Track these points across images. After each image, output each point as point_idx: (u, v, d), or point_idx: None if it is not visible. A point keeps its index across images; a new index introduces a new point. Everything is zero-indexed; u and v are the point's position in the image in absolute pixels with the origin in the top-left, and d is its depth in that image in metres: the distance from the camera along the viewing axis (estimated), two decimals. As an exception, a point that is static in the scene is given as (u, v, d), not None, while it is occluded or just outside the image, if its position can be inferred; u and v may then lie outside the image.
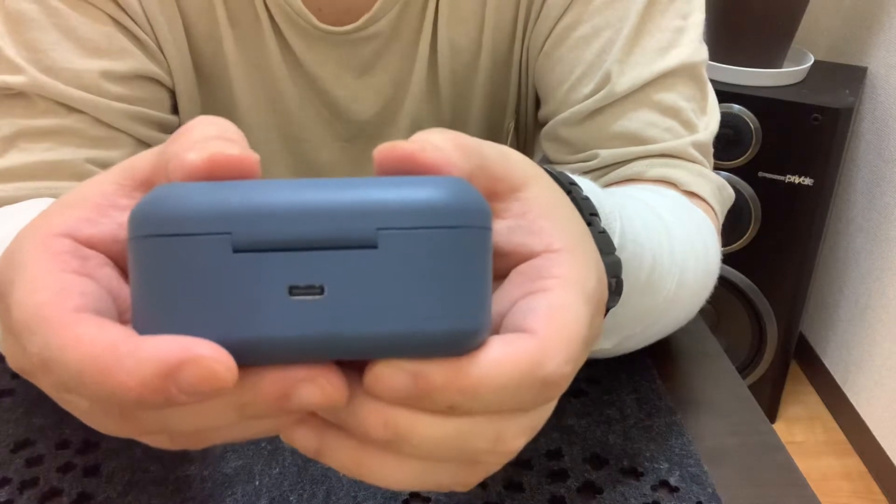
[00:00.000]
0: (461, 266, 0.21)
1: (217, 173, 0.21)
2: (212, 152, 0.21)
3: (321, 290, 0.20)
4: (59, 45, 0.48)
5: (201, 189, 0.21)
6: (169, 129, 0.56)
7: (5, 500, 0.42)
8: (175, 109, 0.57)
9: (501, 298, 0.23)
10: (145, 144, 0.53)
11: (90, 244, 0.23)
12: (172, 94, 0.56)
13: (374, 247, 0.20)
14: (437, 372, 0.21)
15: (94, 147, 0.49)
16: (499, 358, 0.21)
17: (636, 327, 0.45)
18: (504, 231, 0.24)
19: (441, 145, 0.22)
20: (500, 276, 0.24)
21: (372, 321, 0.20)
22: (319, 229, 0.20)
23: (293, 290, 0.20)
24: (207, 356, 0.19)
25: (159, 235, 0.20)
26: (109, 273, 0.23)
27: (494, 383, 0.21)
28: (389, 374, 0.21)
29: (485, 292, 0.22)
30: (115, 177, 0.24)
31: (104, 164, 0.50)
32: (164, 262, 0.20)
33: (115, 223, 0.23)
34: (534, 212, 0.24)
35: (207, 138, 0.22)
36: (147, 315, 0.21)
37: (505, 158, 0.24)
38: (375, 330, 0.21)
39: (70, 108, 0.48)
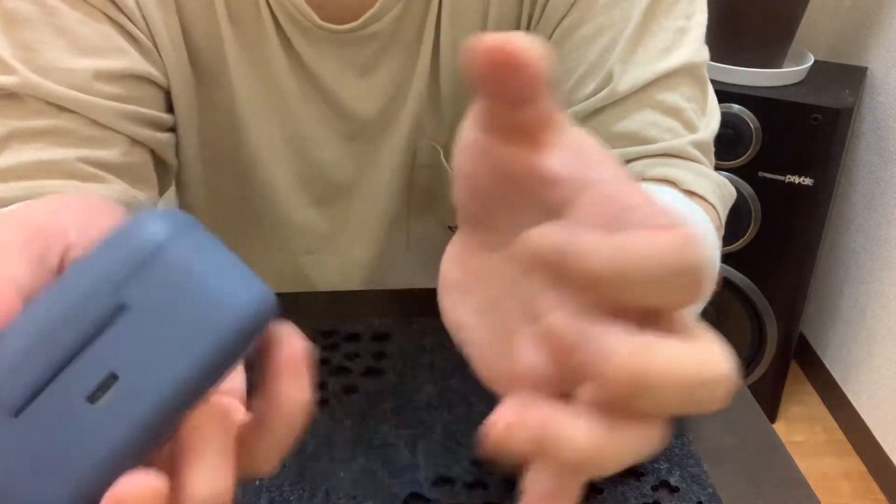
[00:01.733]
0: (205, 267, 0.21)
1: None
2: None
3: (115, 380, 0.20)
4: (53, 44, 0.48)
5: None
6: (163, 128, 0.55)
7: (5, 500, 0.42)
8: (169, 108, 0.57)
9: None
10: (139, 143, 0.53)
11: None
12: (166, 93, 0.56)
13: (128, 309, 0.20)
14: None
15: (87, 147, 0.49)
16: None
17: None
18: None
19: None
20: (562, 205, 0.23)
21: (181, 364, 0.20)
22: (73, 329, 0.20)
23: (92, 397, 0.20)
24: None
25: None
26: None
27: None
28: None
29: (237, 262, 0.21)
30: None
31: (97, 164, 0.49)
32: None
33: None
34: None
35: None
36: None
37: None
38: (188, 365, 0.20)
39: (61, 108, 0.48)
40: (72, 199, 0.26)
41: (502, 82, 0.21)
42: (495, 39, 0.21)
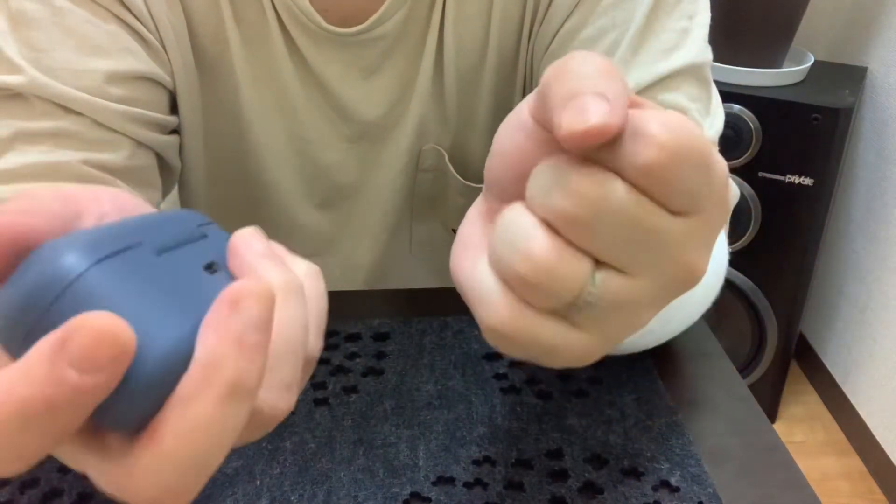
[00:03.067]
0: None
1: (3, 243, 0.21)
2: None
3: (215, 267, 0.25)
4: (61, 44, 0.48)
5: (85, 232, 0.22)
6: (167, 131, 0.55)
7: (6, 500, 0.42)
8: (173, 110, 0.57)
9: None
10: (144, 146, 0.53)
11: None
12: (171, 95, 0.56)
13: (206, 236, 0.26)
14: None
15: (92, 150, 0.49)
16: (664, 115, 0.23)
17: (654, 323, 0.45)
18: None
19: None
20: None
21: None
22: (182, 233, 0.25)
23: (206, 269, 0.24)
24: (88, 320, 0.18)
25: (96, 263, 0.21)
26: None
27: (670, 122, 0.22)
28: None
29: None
30: None
31: (102, 167, 0.49)
32: (111, 283, 0.21)
33: None
34: None
35: None
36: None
37: None
38: None
39: (68, 110, 0.48)
40: (107, 188, 0.27)
41: (588, 148, 0.23)
42: (594, 124, 0.22)
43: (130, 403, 0.20)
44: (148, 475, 0.20)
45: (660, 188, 0.23)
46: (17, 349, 0.21)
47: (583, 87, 0.22)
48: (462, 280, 0.28)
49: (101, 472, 0.22)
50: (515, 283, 0.24)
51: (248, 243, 0.26)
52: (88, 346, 0.18)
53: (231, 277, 0.25)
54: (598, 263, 0.24)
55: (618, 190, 0.22)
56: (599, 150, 0.23)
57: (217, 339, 0.21)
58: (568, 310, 0.24)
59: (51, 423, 0.19)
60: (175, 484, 0.21)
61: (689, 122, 0.23)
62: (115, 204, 0.25)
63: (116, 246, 0.22)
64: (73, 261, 0.20)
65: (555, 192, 0.23)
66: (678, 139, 0.22)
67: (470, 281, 0.25)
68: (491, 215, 0.29)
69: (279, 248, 0.27)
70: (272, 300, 0.22)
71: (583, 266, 0.23)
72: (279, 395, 0.24)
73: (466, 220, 0.30)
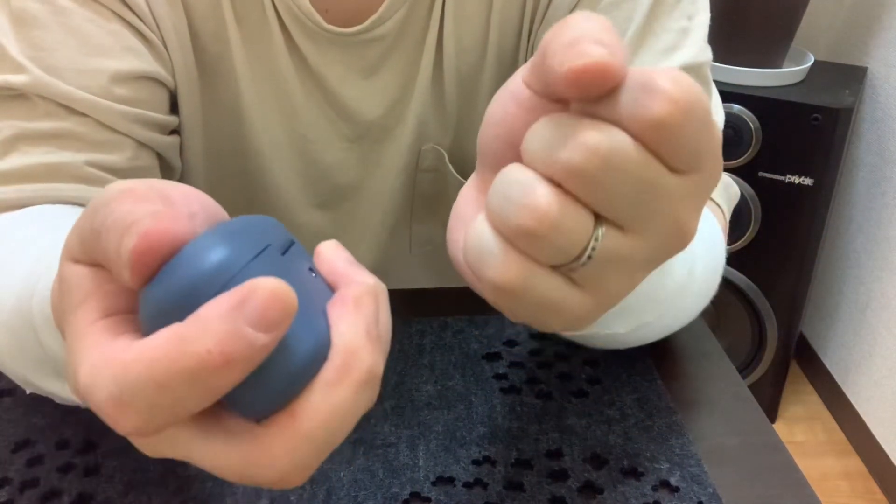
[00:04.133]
0: None
1: (153, 248, 0.22)
2: (139, 233, 0.22)
3: (314, 270, 0.27)
4: (64, 44, 0.48)
5: (217, 235, 0.23)
6: (167, 131, 0.55)
7: (6, 500, 0.42)
8: (173, 110, 0.57)
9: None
10: (146, 147, 0.53)
11: (116, 311, 0.24)
12: (171, 95, 0.56)
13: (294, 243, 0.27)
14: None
15: (96, 151, 0.49)
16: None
17: (650, 314, 0.45)
18: None
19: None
20: None
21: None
22: (282, 238, 0.26)
23: (310, 271, 0.26)
24: (262, 282, 0.20)
25: (243, 268, 0.23)
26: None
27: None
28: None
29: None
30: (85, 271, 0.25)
31: (105, 168, 0.49)
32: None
33: (115, 296, 0.25)
34: None
35: (135, 221, 0.22)
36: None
37: None
38: None
39: (71, 111, 0.48)
40: (180, 184, 0.27)
41: (588, 91, 0.23)
42: (594, 60, 0.22)
43: (278, 390, 0.22)
44: (286, 453, 0.22)
45: (667, 144, 0.23)
46: None
47: (584, 36, 0.22)
48: (460, 246, 0.28)
49: (222, 453, 0.23)
50: (520, 238, 0.24)
51: (336, 252, 0.27)
52: (265, 305, 0.20)
53: (325, 280, 0.27)
54: (598, 219, 0.24)
55: (626, 144, 0.22)
56: (600, 104, 0.23)
57: (353, 334, 0.23)
58: (570, 266, 0.24)
59: (219, 380, 0.20)
60: (308, 461, 0.23)
61: (692, 78, 0.23)
62: (199, 201, 0.26)
63: (257, 245, 0.23)
64: (232, 258, 0.22)
65: (560, 146, 0.23)
66: (689, 95, 0.22)
67: (470, 241, 0.25)
68: (485, 188, 0.29)
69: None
70: (382, 296, 0.25)
71: (587, 220, 0.24)
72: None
73: (461, 196, 0.30)
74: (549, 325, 0.26)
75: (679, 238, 0.25)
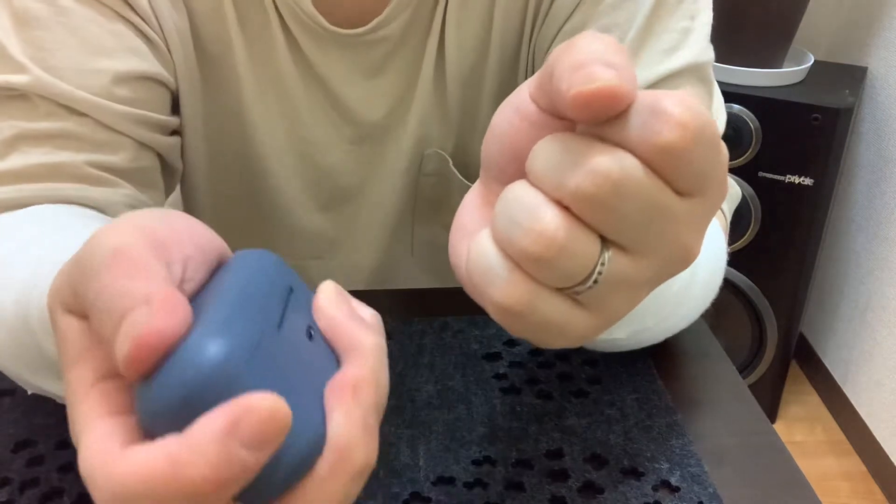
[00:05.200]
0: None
1: (149, 351, 0.21)
2: (133, 338, 0.21)
3: (312, 332, 0.26)
4: (65, 44, 0.47)
5: (220, 318, 0.23)
6: (168, 132, 0.55)
7: (6, 499, 0.42)
8: (174, 111, 0.56)
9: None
10: (146, 148, 0.53)
11: (111, 374, 0.24)
12: (173, 95, 0.56)
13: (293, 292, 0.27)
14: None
15: (97, 151, 0.49)
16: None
17: (651, 319, 0.45)
18: None
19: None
20: None
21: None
22: (275, 301, 0.25)
23: (308, 334, 0.26)
24: (257, 402, 0.20)
25: (252, 353, 0.22)
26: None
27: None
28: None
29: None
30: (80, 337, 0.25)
31: (105, 168, 0.49)
32: (264, 375, 0.22)
33: (109, 359, 0.24)
34: None
35: (131, 324, 0.22)
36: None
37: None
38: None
39: (72, 111, 0.48)
40: (175, 213, 0.27)
41: (596, 115, 0.22)
42: (602, 85, 0.22)
43: (277, 484, 0.22)
44: None
45: (675, 168, 0.23)
46: (163, 430, 0.21)
47: (591, 58, 0.22)
48: (463, 257, 0.28)
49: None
50: (526, 262, 0.24)
51: (335, 305, 0.27)
52: (259, 426, 0.20)
53: (324, 340, 0.26)
54: (604, 242, 0.24)
55: (636, 169, 0.22)
56: (607, 127, 0.23)
57: (347, 426, 0.23)
58: (575, 290, 0.24)
59: (214, 498, 0.20)
60: None
61: (698, 102, 0.23)
62: (193, 242, 0.26)
63: (252, 333, 0.23)
64: (229, 361, 0.21)
65: (569, 170, 0.23)
66: (697, 119, 0.22)
67: (474, 258, 0.25)
68: (489, 198, 0.29)
69: (353, 301, 0.28)
70: (384, 385, 0.25)
71: (594, 244, 0.23)
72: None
73: (464, 205, 0.30)
74: (551, 343, 0.26)
75: (683, 259, 0.25)
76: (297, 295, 0.26)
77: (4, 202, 0.47)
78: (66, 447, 0.45)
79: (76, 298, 0.24)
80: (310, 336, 0.26)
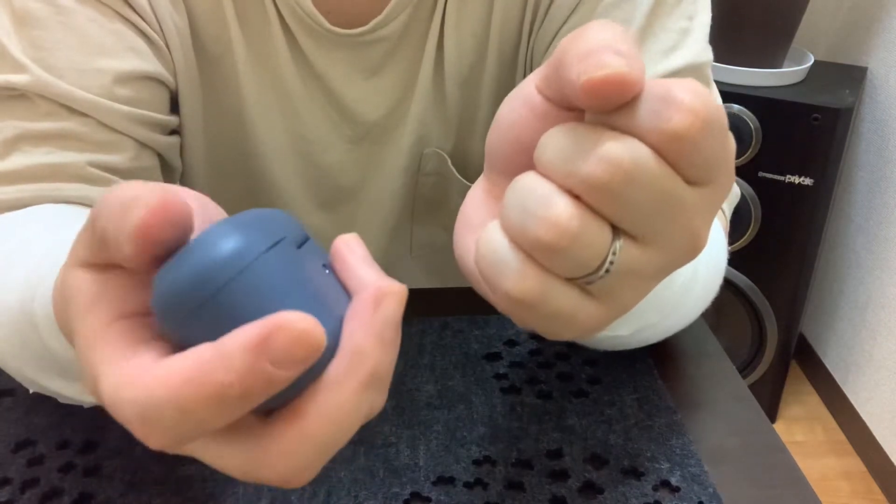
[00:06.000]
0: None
1: (169, 216, 0.22)
2: (142, 215, 0.22)
3: (328, 267, 0.26)
4: (65, 44, 0.47)
5: (229, 227, 0.23)
6: (167, 131, 0.55)
7: (6, 500, 0.42)
8: (173, 110, 0.57)
9: None
10: (147, 147, 0.53)
11: (129, 313, 0.24)
12: (172, 95, 0.56)
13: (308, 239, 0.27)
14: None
15: (97, 151, 0.49)
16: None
17: (654, 316, 0.45)
18: None
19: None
20: None
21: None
22: (296, 231, 0.26)
23: (324, 267, 0.26)
24: (290, 320, 0.20)
25: (256, 259, 0.22)
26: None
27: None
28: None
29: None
30: (88, 275, 0.25)
31: (106, 168, 0.49)
32: (270, 279, 0.22)
33: (126, 298, 0.24)
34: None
35: (124, 209, 0.22)
36: None
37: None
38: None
39: (73, 111, 0.48)
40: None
41: (606, 103, 0.22)
42: (612, 71, 0.22)
43: (289, 387, 0.22)
44: (288, 453, 0.22)
45: (687, 156, 0.22)
46: (179, 325, 0.22)
47: (601, 46, 0.22)
48: (470, 251, 0.28)
49: (227, 453, 0.23)
50: (538, 251, 0.23)
51: (352, 248, 0.27)
52: (289, 345, 0.20)
53: (338, 279, 0.26)
54: (615, 231, 0.24)
55: (647, 157, 0.22)
56: (617, 115, 0.23)
57: (363, 334, 0.23)
58: (587, 279, 0.24)
59: (239, 406, 0.21)
60: (310, 462, 0.22)
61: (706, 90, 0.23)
62: (200, 202, 0.26)
63: (272, 237, 0.23)
64: (246, 247, 0.22)
65: (580, 159, 0.23)
66: (707, 107, 0.22)
67: (483, 251, 0.25)
68: (494, 192, 0.29)
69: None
70: (404, 301, 0.25)
71: (606, 233, 0.23)
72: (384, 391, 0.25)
73: (469, 200, 0.30)
74: (561, 334, 0.26)
75: (692, 248, 0.25)
76: (312, 243, 0.27)
77: (5, 202, 0.47)
78: (66, 447, 0.45)
79: (90, 246, 0.24)
80: (326, 269, 0.26)
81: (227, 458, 0.23)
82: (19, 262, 0.39)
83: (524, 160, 0.25)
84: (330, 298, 0.25)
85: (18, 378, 0.41)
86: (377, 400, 0.24)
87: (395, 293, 0.24)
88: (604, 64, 0.22)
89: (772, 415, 1.80)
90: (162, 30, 0.52)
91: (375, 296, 0.24)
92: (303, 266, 0.24)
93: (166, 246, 0.22)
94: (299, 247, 0.25)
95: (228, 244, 0.22)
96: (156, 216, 0.21)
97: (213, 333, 0.21)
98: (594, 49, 0.22)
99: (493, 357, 0.54)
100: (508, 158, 0.28)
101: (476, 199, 0.30)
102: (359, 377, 0.23)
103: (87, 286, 0.24)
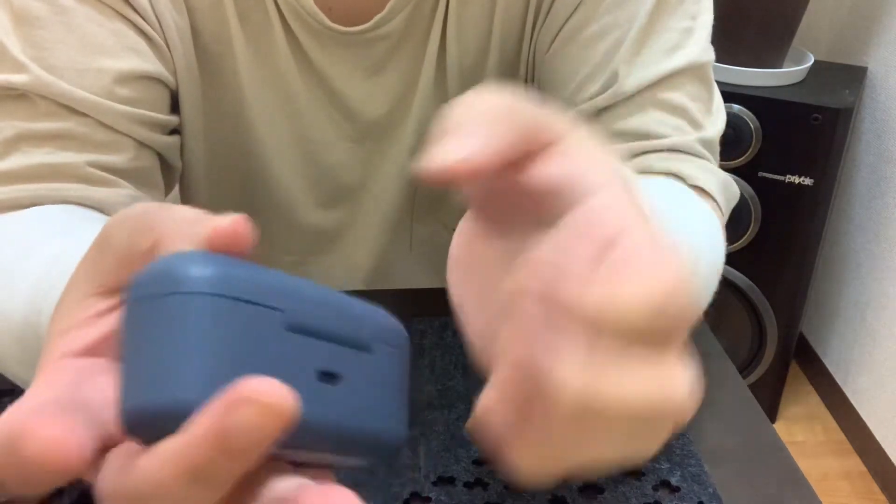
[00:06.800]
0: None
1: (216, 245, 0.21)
2: (213, 226, 0.21)
3: (337, 380, 0.22)
4: (65, 43, 0.47)
5: (236, 262, 0.21)
6: (167, 131, 0.55)
7: (6, 500, 0.42)
8: (173, 110, 0.56)
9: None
10: (146, 147, 0.53)
11: (89, 352, 0.24)
12: (172, 94, 0.56)
13: (370, 351, 0.24)
14: None
15: (97, 151, 0.49)
16: None
17: None
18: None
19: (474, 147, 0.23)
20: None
21: (359, 417, 0.23)
22: (344, 328, 0.23)
23: (321, 376, 0.22)
24: (261, 388, 0.18)
25: (213, 295, 0.20)
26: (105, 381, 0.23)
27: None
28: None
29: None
30: (88, 287, 0.24)
31: (106, 168, 0.49)
32: (211, 322, 0.20)
33: (102, 330, 0.24)
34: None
35: (191, 222, 0.22)
36: (170, 374, 0.20)
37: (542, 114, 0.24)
38: (358, 424, 0.23)
39: (72, 111, 0.48)
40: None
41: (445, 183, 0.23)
42: (443, 165, 0.22)
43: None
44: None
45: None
46: (122, 324, 0.21)
47: (451, 127, 0.23)
48: (459, 305, 0.28)
49: (108, 474, 0.23)
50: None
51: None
52: (253, 419, 0.18)
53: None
54: None
55: None
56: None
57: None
58: None
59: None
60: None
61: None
62: (178, 226, 0.25)
63: (254, 297, 0.20)
64: (194, 277, 0.20)
65: None
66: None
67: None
68: (478, 234, 0.29)
69: None
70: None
71: None
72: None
73: (458, 235, 0.30)
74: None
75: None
76: (369, 358, 0.24)
77: (5, 202, 0.47)
78: (66, 447, 0.45)
79: (108, 274, 0.24)
80: (329, 379, 0.22)
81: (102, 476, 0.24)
82: (26, 269, 0.39)
83: (500, 204, 0.26)
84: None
85: (22, 385, 0.41)
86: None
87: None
88: (439, 155, 0.22)
89: (772, 415, 1.80)
90: (162, 29, 0.52)
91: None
92: (264, 344, 0.21)
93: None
94: (315, 336, 0.22)
95: (182, 267, 0.20)
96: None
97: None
98: (447, 129, 0.23)
99: (493, 357, 0.53)
100: (484, 202, 0.28)
101: (463, 235, 0.30)
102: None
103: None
